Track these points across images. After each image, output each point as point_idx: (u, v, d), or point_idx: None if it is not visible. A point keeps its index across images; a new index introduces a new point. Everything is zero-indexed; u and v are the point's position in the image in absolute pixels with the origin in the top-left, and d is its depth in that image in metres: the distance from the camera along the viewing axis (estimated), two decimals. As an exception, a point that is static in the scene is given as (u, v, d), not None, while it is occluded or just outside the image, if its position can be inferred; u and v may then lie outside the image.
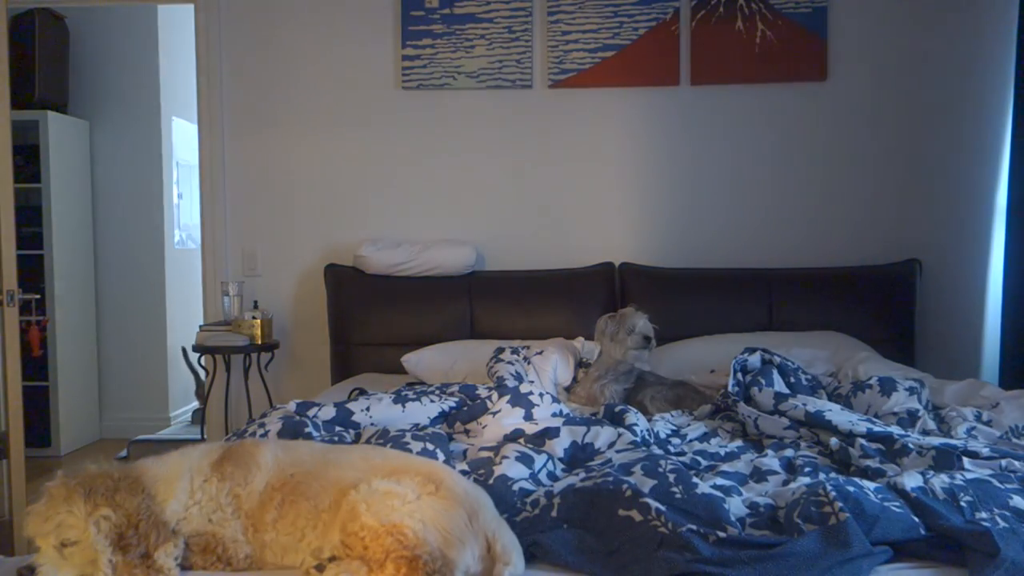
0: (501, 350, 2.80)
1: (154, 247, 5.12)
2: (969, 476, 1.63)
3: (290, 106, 3.79)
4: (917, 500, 1.53)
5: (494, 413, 2.17)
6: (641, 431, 2.11)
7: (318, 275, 3.76)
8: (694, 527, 1.44)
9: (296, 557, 1.43)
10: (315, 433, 2.03)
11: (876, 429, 2.00)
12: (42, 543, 1.36)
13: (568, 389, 2.82)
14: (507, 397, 2.21)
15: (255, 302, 3.72)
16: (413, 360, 3.11)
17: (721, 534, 1.44)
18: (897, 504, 1.51)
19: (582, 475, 1.75)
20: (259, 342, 3.53)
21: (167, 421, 5.10)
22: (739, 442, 2.17)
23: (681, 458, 1.96)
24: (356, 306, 3.57)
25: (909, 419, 2.24)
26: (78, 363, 4.89)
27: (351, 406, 2.20)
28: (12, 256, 3.03)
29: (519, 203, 3.75)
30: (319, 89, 3.77)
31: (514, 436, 2.05)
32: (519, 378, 2.56)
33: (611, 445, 2.01)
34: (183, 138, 5.31)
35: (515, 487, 1.71)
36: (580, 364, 2.93)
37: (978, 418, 2.24)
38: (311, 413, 2.15)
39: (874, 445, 1.93)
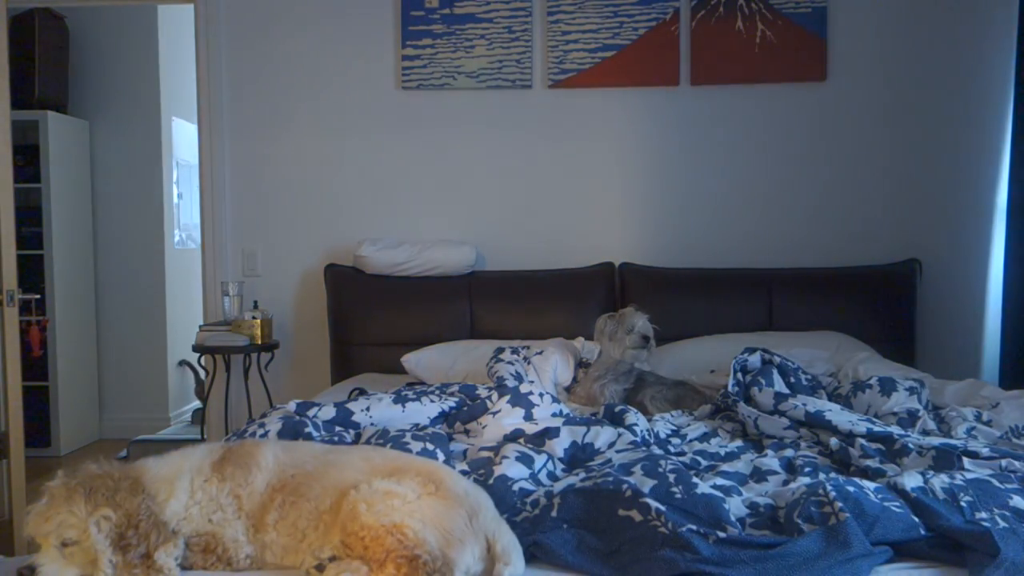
0: (501, 350, 2.80)
1: (154, 247, 5.12)
2: (969, 476, 1.63)
3: (290, 106, 3.79)
4: (917, 500, 1.53)
5: (494, 413, 2.17)
6: (641, 431, 2.11)
7: (318, 275, 3.76)
8: (694, 527, 1.44)
9: (296, 558, 1.43)
10: (315, 433, 2.03)
11: (876, 429, 2.00)
12: (42, 543, 1.36)
13: (568, 389, 2.82)
14: (507, 397, 2.21)
15: (255, 302, 3.72)
16: (413, 360, 3.11)
17: (721, 534, 1.44)
18: (897, 504, 1.51)
19: (582, 475, 1.75)
20: (259, 342, 3.53)
21: (167, 421, 5.11)
22: (739, 442, 2.17)
23: (681, 458, 1.96)
24: (356, 306, 3.57)
25: (909, 419, 2.24)
26: (78, 363, 4.89)
27: (351, 406, 2.20)
28: (12, 256, 3.03)
29: (519, 203, 3.75)
30: (319, 89, 3.77)
31: (514, 436, 2.05)
32: (519, 378, 2.56)
33: (611, 445, 2.01)
34: (183, 138, 5.31)
35: (515, 487, 1.71)
36: (580, 364, 2.93)
37: (978, 418, 2.24)
38: (311, 413, 2.15)
39: (874, 445, 1.93)
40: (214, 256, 3.81)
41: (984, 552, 1.36)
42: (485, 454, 1.98)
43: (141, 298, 5.10)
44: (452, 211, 3.77)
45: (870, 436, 1.97)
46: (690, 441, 2.20)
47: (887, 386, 2.38)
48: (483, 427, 2.14)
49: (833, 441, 2.00)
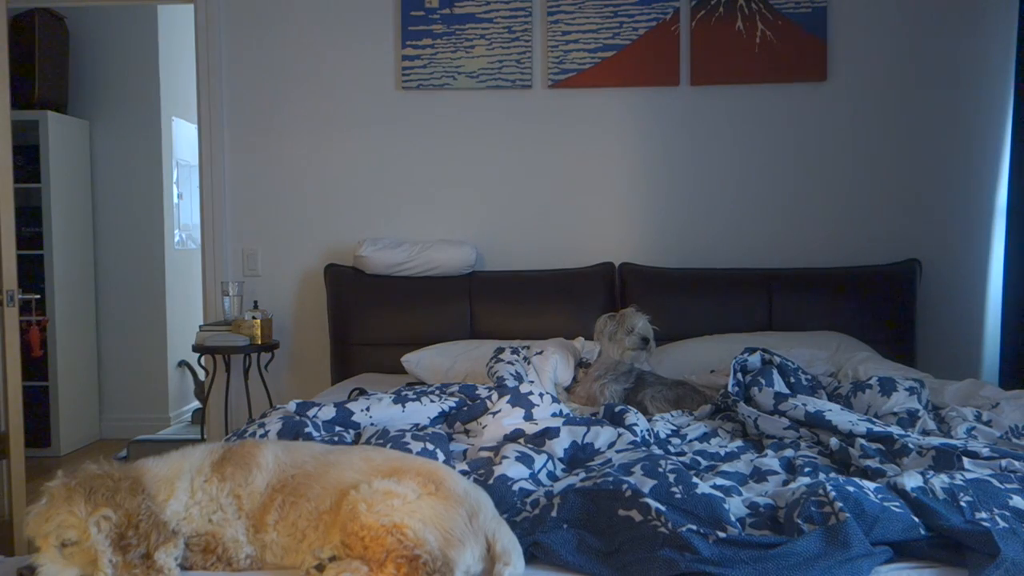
0: (501, 350, 2.80)
1: (154, 247, 5.12)
2: (969, 476, 1.63)
3: (290, 106, 3.79)
4: (917, 500, 1.53)
5: (494, 413, 2.17)
6: (641, 431, 2.11)
7: (318, 275, 3.76)
8: (694, 527, 1.44)
9: (297, 558, 1.43)
10: (315, 433, 2.03)
11: (876, 429, 2.00)
12: (42, 543, 1.36)
13: (568, 389, 2.82)
14: (507, 397, 2.21)
15: (255, 302, 3.73)
16: (413, 360, 3.11)
17: (721, 534, 1.44)
18: (897, 504, 1.51)
19: (582, 475, 1.75)
20: (259, 342, 3.53)
21: (167, 421, 5.11)
22: (739, 442, 2.17)
23: (681, 458, 1.96)
24: (356, 306, 3.57)
25: (909, 419, 2.24)
26: (78, 363, 4.89)
27: (351, 406, 2.20)
28: (12, 256, 3.03)
29: (519, 203, 3.75)
30: (319, 89, 3.77)
31: (514, 436, 2.05)
32: (519, 378, 2.56)
33: (611, 445, 2.01)
34: (183, 138, 5.31)
35: (515, 487, 1.71)
36: (580, 364, 2.93)
37: (978, 418, 2.24)
38: (311, 413, 2.15)
39: (874, 445, 1.93)
40: (214, 256, 3.81)
41: (984, 552, 1.36)
42: (485, 454, 1.98)
43: (141, 298, 5.10)
44: (452, 211, 3.77)
45: (870, 436, 1.97)
46: (690, 441, 2.20)
47: (887, 386, 2.38)
48: (483, 427, 2.14)
49: (833, 441, 2.00)
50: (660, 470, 1.67)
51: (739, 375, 2.46)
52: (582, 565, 1.42)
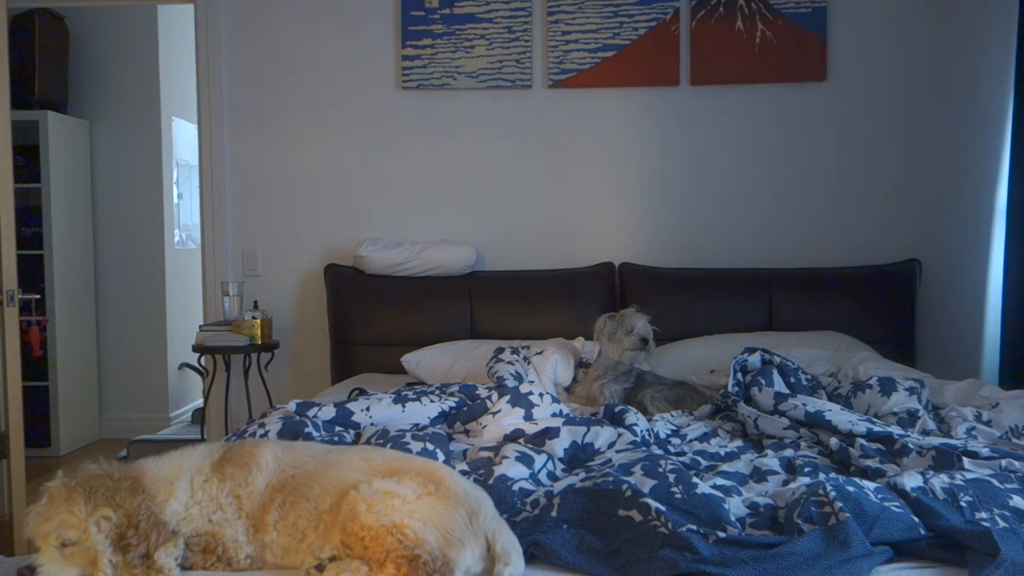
0: (501, 350, 2.80)
1: (154, 247, 5.12)
2: (969, 476, 1.63)
3: (290, 106, 3.79)
4: (917, 500, 1.53)
5: (494, 413, 2.17)
6: (641, 431, 2.11)
7: (318, 275, 3.76)
8: (694, 527, 1.44)
9: (297, 558, 1.43)
10: (315, 433, 2.04)
11: (876, 429, 2.00)
12: (42, 543, 1.36)
13: (568, 389, 2.82)
14: (507, 397, 2.21)
15: (255, 302, 3.73)
16: (413, 360, 3.11)
17: (721, 534, 1.44)
18: (897, 504, 1.51)
19: (582, 475, 1.75)
20: (259, 342, 3.53)
21: (167, 421, 5.10)
22: (739, 442, 2.17)
23: (681, 458, 1.96)
24: (356, 306, 3.57)
25: (909, 419, 2.24)
26: (78, 363, 4.89)
27: (351, 406, 2.20)
28: (12, 256, 3.03)
29: (519, 203, 3.75)
30: (319, 89, 3.77)
31: (514, 436, 2.05)
32: (519, 378, 2.56)
33: (611, 445, 2.01)
34: (183, 138, 5.31)
35: (515, 487, 1.71)
36: (580, 364, 2.93)
37: (978, 418, 2.24)
38: (311, 413, 2.15)
39: (874, 445, 1.93)
40: (214, 256, 3.81)
41: (984, 552, 1.36)
42: (485, 454, 1.98)
43: (141, 298, 5.11)
44: (452, 211, 3.77)
45: (870, 436, 1.97)
46: (690, 441, 2.20)
47: (887, 386, 2.38)
48: (483, 427, 2.14)
49: (833, 441, 2.00)
50: (660, 470, 1.67)
51: (739, 375, 2.46)
52: (582, 565, 1.42)
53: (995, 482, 1.60)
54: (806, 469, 1.84)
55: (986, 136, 3.59)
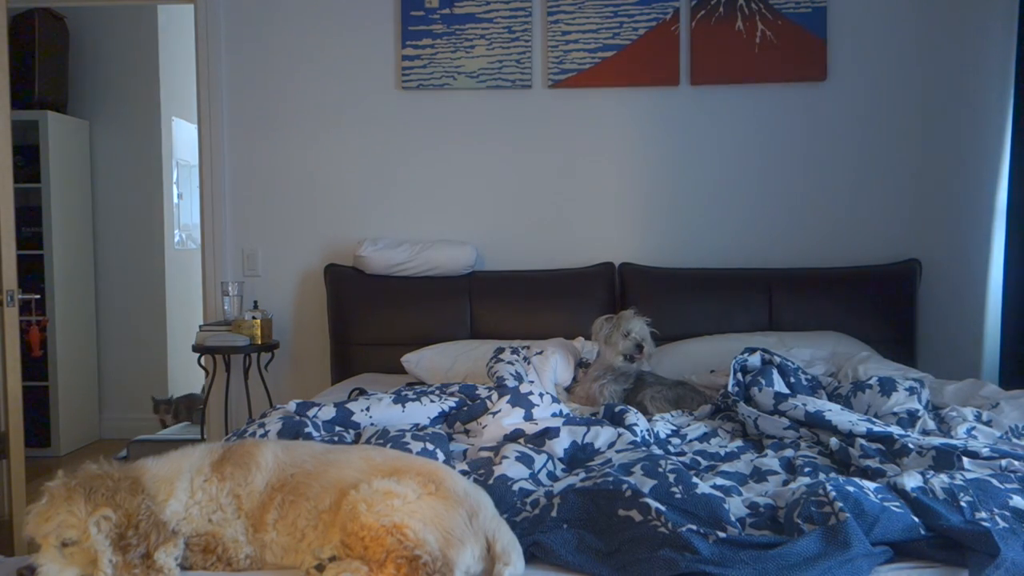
0: (501, 350, 2.79)
1: (154, 247, 5.13)
2: (969, 476, 1.63)
3: (290, 106, 3.79)
4: (917, 500, 1.53)
5: (494, 413, 2.17)
6: (641, 431, 2.11)
7: (318, 275, 3.76)
8: (694, 527, 1.44)
9: (296, 558, 1.43)
10: (315, 433, 2.04)
11: (876, 429, 2.00)
12: (42, 543, 1.36)
13: (568, 389, 2.82)
14: (507, 397, 2.21)
15: (255, 302, 3.73)
16: (413, 360, 3.11)
17: (721, 534, 1.44)
18: (897, 504, 1.51)
19: (582, 475, 1.75)
20: (259, 342, 3.53)
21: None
22: (739, 442, 2.17)
23: (681, 458, 1.96)
24: (356, 306, 3.57)
25: (909, 419, 2.24)
26: (78, 363, 4.89)
27: (351, 406, 2.20)
28: (12, 256, 3.03)
29: (519, 203, 3.75)
30: (319, 89, 3.77)
31: (514, 436, 2.05)
32: (519, 378, 2.56)
33: (611, 445, 2.01)
34: (183, 138, 5.31)
35: (515, 487, 1.71)
36: (580, 364, 2.93)
37: (978, 418, 2.24)
38: (311, 413, 2.15)
39: (874, 445, 1.93)
40: (214, 256, 3.81)
41: (984, 552, 1.36)
42: (485, 454, 1.98)
43: (141, 298, 5.10)
44: (452, 211, 3.77)
45: (870, 436, 1.97)
46: (690, 441, 2.20)
47: (887, 386, 2.38)
48: (483, 427, 2.14)
49: (833, 441, 2.00)
50: (660, 470, 1.67)
51: (739, 375, 2.46)
52: (582, 565, 1.42)
53: (995, 482, 1.60)
54: (806, 469, 1.84)
55: (986, 136, 3.59)
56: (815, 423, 2.11)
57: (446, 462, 1.86)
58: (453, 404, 2.31)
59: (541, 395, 2.26)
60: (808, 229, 3.67)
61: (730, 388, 2.41)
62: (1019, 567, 1.33)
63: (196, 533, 1.44)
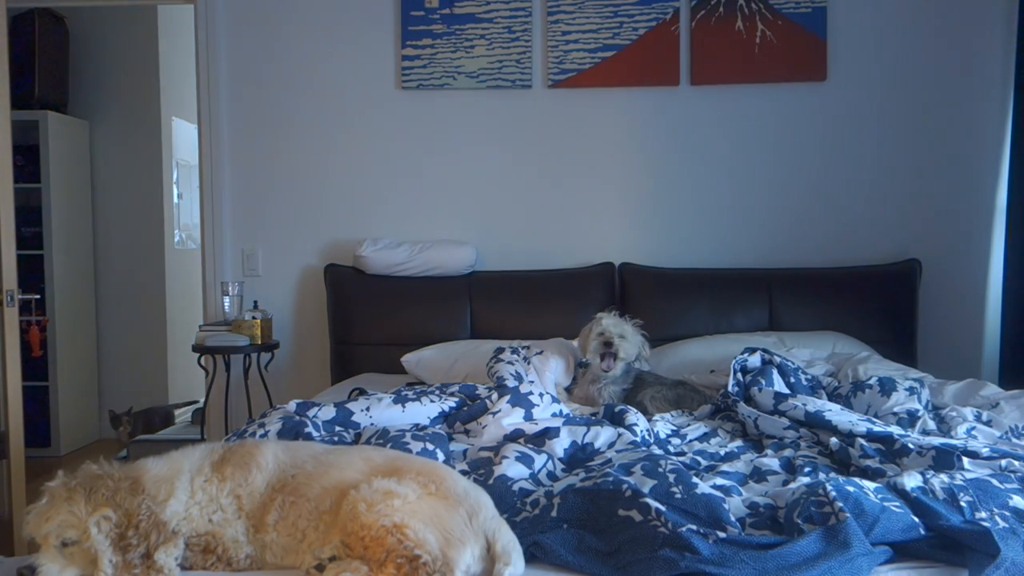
0: (501, 350, 2.79)
1: (154, 247, 5.13)
2: (969, 476, 1.63)
3: (290, 106, 3.79)
4: (917, 500, 1.53)
5: (494, 413, 2.17)
6: (641, 431, 2.11)
7: (318, 275, 3.76)
8: (694, 527, 1.44)
9: (297, 558, 1.43)
10: (315, 433, 2.04)
11: (876, 429, 2.00)
12: (42, 543, 1.36)
13: (568, 390, 2.82)
14: (507, 397, 2.21)
15: (255, 302, 3.73)
16: (413, 360, 3.11)
17: (721, 534, 1.44)
18: (897, 504, 1.51)
19: (582, 475, 1.75)
20: (259, 342, 3.53)
21: (167, 421, 5.10)
22: (739, 442, 2.17)
23: (681, 458, 1.96)
24: (356, 306, 3.57)
25: (909, 419, 2.24)
26: (78, 363, 4.89)
27: (351, 406, 2.20)
28: (12, 256, 3.03)
29: (519, 203, 3.75)
30: (319, 89, 3.77)
31: (514, 436, 2.05)
32: (519, 378, 2.56)
33: (611, 445, 2.01)
34: (183, 138, 5.31)
35: (515, 487, 1.71)
36: (580, 365, 2.93)
37: (978, 418, 2.24)
38: (311, 413, 2.15)
39: (874, 445, 1.93)
40: (214, 256, 3.81)
41: (984, 552, 1.36)
42: (485, 454, 1.98)
43: (141, 298, 5.11)
44: (452, 211, 3.77)
45: (870, 436, 1.97)
46: (690, 441, 2.20)
47: (887, 386, 2.37)
48: (483, 427, 2.14)
49: (833, 441, 2.00)
50: (660, 470, 1.67)
51: (739, 375, 2.46)
52: (582, 565, 1.42)
53: (995, 482, 1.60)
54: (806, 469, 1.84)
55: (986, 136, 3.59)
56: (815, 423, 2.11)
57: (446, 462, 1.86)
58: (453, 404, 2.31)
59: (541, 395, 2.26)
60: (808, 229, 3.67)
61: (730, 388, 2.41)
62: (1019, 567, 1.33)
63: (196, 533, 1.44)
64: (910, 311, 3.47)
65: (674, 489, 1.58)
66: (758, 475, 1.85)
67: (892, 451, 1.89)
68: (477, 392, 2.36)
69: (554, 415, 2.21)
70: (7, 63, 3.01)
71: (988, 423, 2.22)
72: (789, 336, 3.19)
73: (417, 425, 2.18)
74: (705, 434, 2.24)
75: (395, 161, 3.77)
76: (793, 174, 3.68)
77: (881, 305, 3.44)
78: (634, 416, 2.19)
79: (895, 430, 2.01)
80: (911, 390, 2.36)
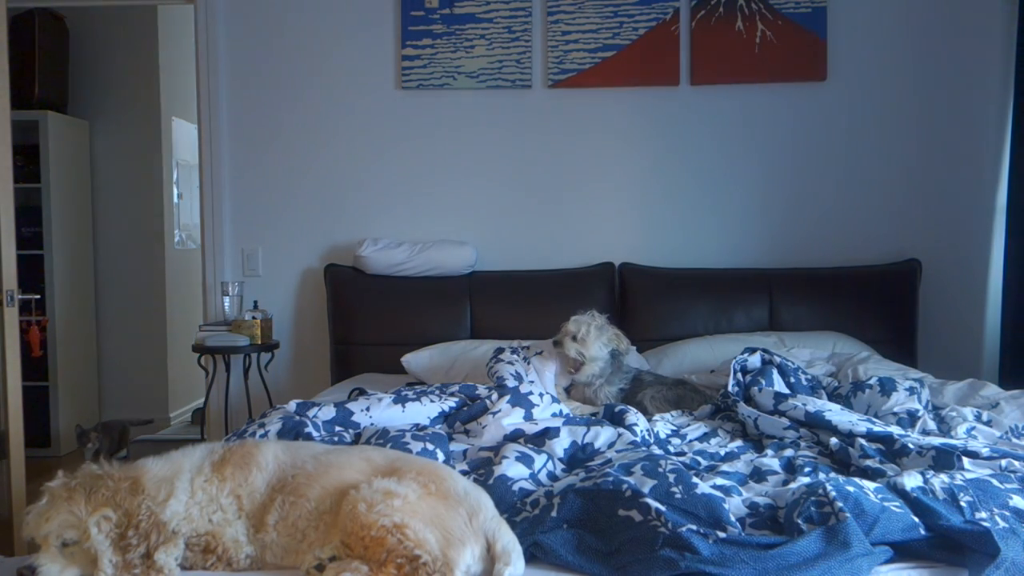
0: (501, 350, 2.79)
1: (154, 247, 5.12)
2: (969, 476, 1.63)
3: (290, 106, 3.79)
4: (917, 500, 1.53)
5: (494, 413, 2.17)
6: (641, 431, 2.11)
7: (318, 275, 3.76)
8: (694, 527, 1.44)
9: (297, 558, 1.43)
10: (315, 433, 2.04)
11: (876, 429, 2.00)
12: (43, 543, 1.36)
13: (568, 390, 2.82)
14: (507, 397, 2.21)
15: (255, 302, 3.73)
16: (413, 360, 3.11)
17: (721, 534, 1.44)
18: (897, 504, 1.51)
19: (582, 475, 1.75)
20: (259, 342, 3.53)
21: (167, 421, 5.10)
22: (739, 442, 2.17)
23: (681, 458, 1.96)
24: (356, 306, 3.57)
25: (909, 419, 2.24)
26: (78, 363, 4.89)
27: (351, 406, 2.20)
28: (12, 256, 3.03)
29: (519, 203, 3.75)
30: (319, 89, 3.77)
31: (514, 436, 2.05)
32: (519, 378, 2.56)
33: (611, 445, 2.01)
34: (183, 138, 5.31)
35: (515, 487, 1.71)
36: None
37: (978, 418, 2.24)
38: (311, 413, 2.15)
39: (874, 445, 1.93)
40: (214, 256, 3.81)
41: (984, 552, 1.36)
42: (485, 454, 1.98)
43: (141, 298, 5.10)
44: (452, 211, 3.77)
45: (870, 436, 1.97)
46: (690, 441, 2.20)
47: (887, 386, 2.38)
48: (483, 427, 2.14)
49: (833, 441, 2.00)
50: (660, 470, 1.67)
51: (739, 375, 2.46)
52: (582, 565, 1.42)
53: (995, 482, 1.60)
54: (806, 469, 1.84)
55: (986, 136, 3.59)
56: (815, 423, 2.11)
57: (446, 462, 1.86)
58: (453, 404, 2.31)
59: (541, 395, 2.26)
60: (808, 229, 3.67)
61: (730, 388, 2.41)
62: (1019, 567, 1.33)
63: (196, 533, 1.44)
64: (910, 311, 3.47)
65: (674, 489, 1.58)
66: (758, 475, 1.85)
67: (892, 451, 1.89)
68: (477, 392, 2.36)
69: (554, 415, 2.21)
70: (7, 63, 3.01)
71: (988, 423, 2.22)
72: (789, 336, 3.19)
73: (417, 425, 2.19)
74: (705, 434, 2.24)
75: (395, 161, 3.77)
76: (793, 174, 3.68)
77: (881, 305, 3.44)
78: (634, 416, 2.20)
79: (895, 430, 2.01)
80: (911, 390, 2.36)
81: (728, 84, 3.65)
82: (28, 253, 4.56)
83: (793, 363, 2.58)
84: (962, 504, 1.52)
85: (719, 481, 1.75)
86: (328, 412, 2.16)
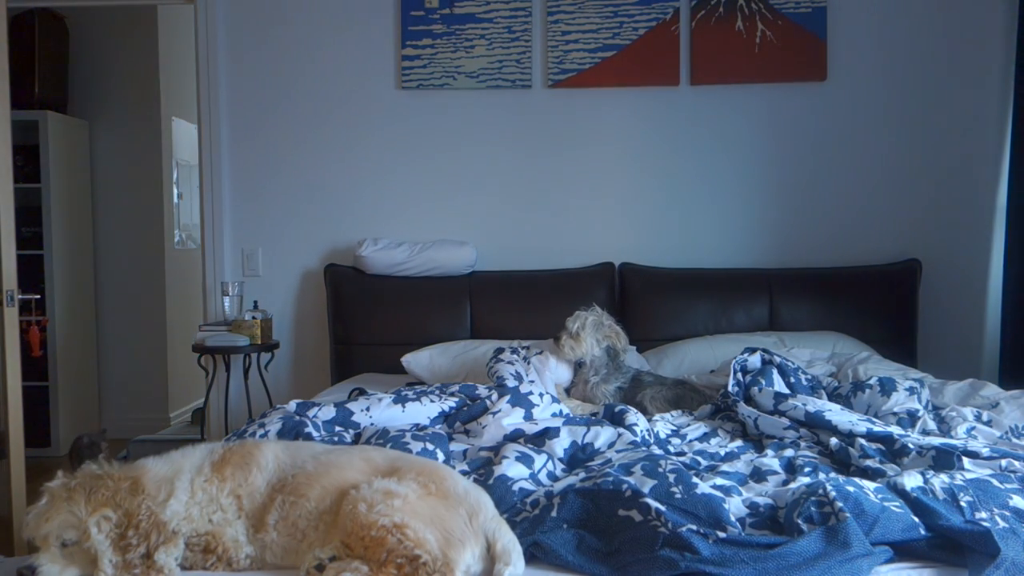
0: (501, 350, 2.79)
1: (154, 247, 5.12)
2: (969, 476, 1.63)
3: (290, 106, 3.78)
4: (917, 500, 1.53)
5: (494, 413, 2.17)
6: (641, 431, 2.11)
7: (318, 275, 3.76)
8: (694, 527, 1.44)
9: (297, 558, 1.43)
10: (315, 433, 2.04)
11: (876, 429, 2.00)
12: (42, 543, 1.36)
13: (568, 390, 2.82)
14: (507, 397, 2.21)
15: (255, 302, 3.73)
16: (413, 360, 3.11)
17: (721, 534, 1.44)
18: (897, 504, 1.51)
19: (582, 475, 1.75)
20: (259, 342, 3.53)
21: (167, 421, 5.10)
22: (739, 442, 2.17)
23: (681, 458, 1.96)
24: (356, 306, 3.57)
25: (909, 419, 2.24)
26: (78, 363, 4.89)
27: (351, 406, 2.20)
28: (12, 256, 3.03)
29: (519, 203, 3.75)
30: (319, 89, 3.77)
31: (514, 436, 2.05)
32: (519, 378, 2.56)
33: (611, 445, 2.01)
34: (183, 138, 5.31)
35: (515, 487, 1.71)
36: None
37: (978, 418, 2.24)
38: (311, 413, 2.15)
39: (874, 445, 1.93)
40: (214, 256, 3.81)
41: (984, 552, 1.36)
42: (485, 454, 1.98)
43: (141, 298, 5.10)
44: (452, 211, 3.77)
45: (870, 436, 1.97)
46: (690, 441, 2.20)
47: (887, 386, 2.37)
48: (483, 427, 2.14)
49: (833, 441, 2.00)
50: (660, 470, 1.67)
51: (739, 375, 2.45)
52: (582, 565, 1.42)
53: (995, 482, 1.60)
54: (806, 469, 1.84)
55: (986, 136, 3.59)
56: (815, 423, 2.11)
57: (446, 462, 1.86)
58: (453, 404, 2.31)
59: (541, 395, 2.26)
60: (808, 229, 3.67)
61: (730, 388, 2.41)
62: (1019, 567, 1.33)
63: (196, 533, 1.44)
64: (910, 311, 3.47)
65: (674, 489, 1.58)
66: (758, 475, 1.85)
67: (892, 451, 1.90)
68: (477, 392, 2.36)
69: (554, 415, 2.21)
70: (7, 63, 3.01)
71: (988, 423, 2.22)
72: (789, 336, 3.19)
73: (417, 425, 2.19)
74: (705, 434, 2.24)
75: (395, 161, 3.77)
76: (793, 174, 3.68)
77: (881, 305, 3.44)
78: (634, 416, 2.20)
79: (895, 430, 2.01)
80: (911, 390, 2.36)
81: (728, 84, 3.65)
82: (28, 253, 4.56)
83: (793, 363, 2.58)
84: (962, 504, 1.52)
85: (719, 481, 1.75)
86: (328, 412, 2.16)
